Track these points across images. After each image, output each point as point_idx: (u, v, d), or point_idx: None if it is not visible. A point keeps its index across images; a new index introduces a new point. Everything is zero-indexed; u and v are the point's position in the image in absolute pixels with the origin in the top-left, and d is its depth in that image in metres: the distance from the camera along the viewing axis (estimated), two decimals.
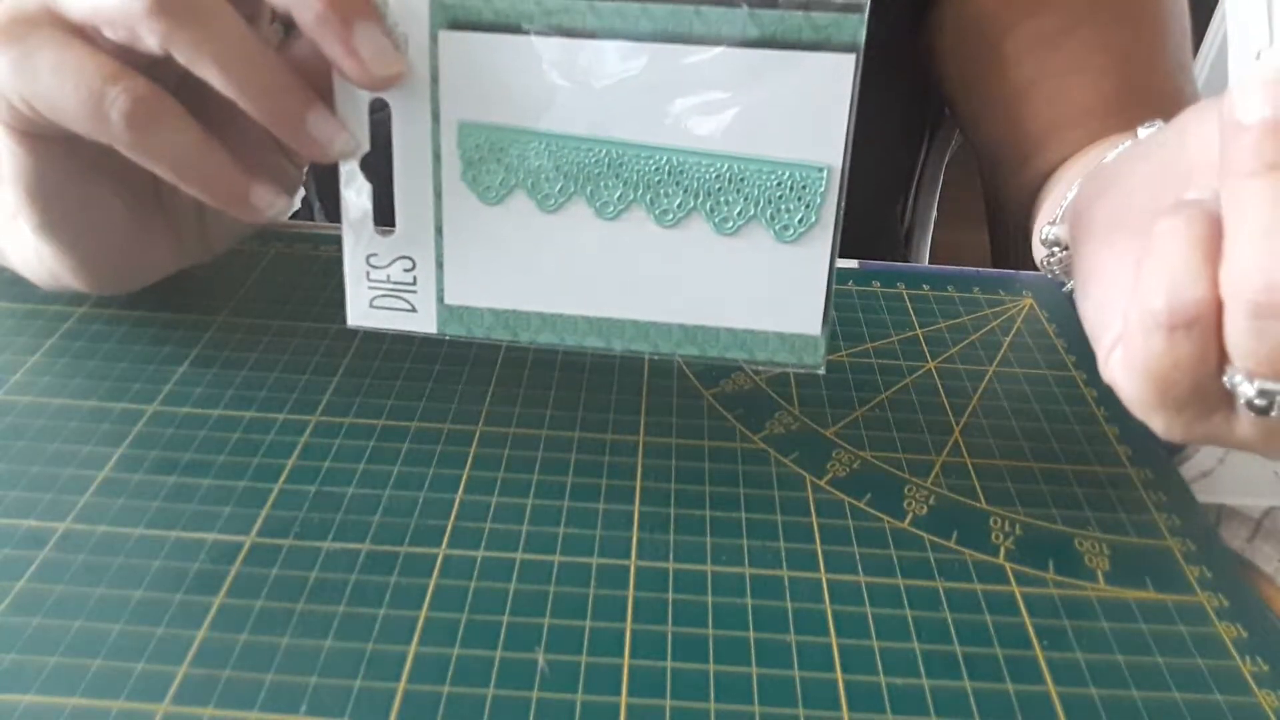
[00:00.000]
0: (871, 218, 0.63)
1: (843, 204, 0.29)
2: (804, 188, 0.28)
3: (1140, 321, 0.25)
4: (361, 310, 0.31)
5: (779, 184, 0.28)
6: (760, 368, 0.38)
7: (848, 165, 0.28)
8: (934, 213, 0.69)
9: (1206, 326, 0.24)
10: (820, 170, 0.28)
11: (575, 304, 0.30)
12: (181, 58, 0.27)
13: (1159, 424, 0.27)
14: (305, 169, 0.35)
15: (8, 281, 0.40)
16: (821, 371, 0.31)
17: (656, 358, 0.35)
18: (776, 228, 0.29)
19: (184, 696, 0.25)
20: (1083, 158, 0.44)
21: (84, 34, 0.28)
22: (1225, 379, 0.24)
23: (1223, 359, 0.24)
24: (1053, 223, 0.38)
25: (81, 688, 0.25)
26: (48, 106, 0.28)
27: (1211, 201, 0.24)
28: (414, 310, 0.31)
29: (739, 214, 0.29)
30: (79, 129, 0.28)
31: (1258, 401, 0.24)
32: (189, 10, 0.27)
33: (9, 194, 0.33)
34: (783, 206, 0.29)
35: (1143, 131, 0.35)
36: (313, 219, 0.64)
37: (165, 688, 0.25)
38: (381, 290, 0.31)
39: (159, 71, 0.28)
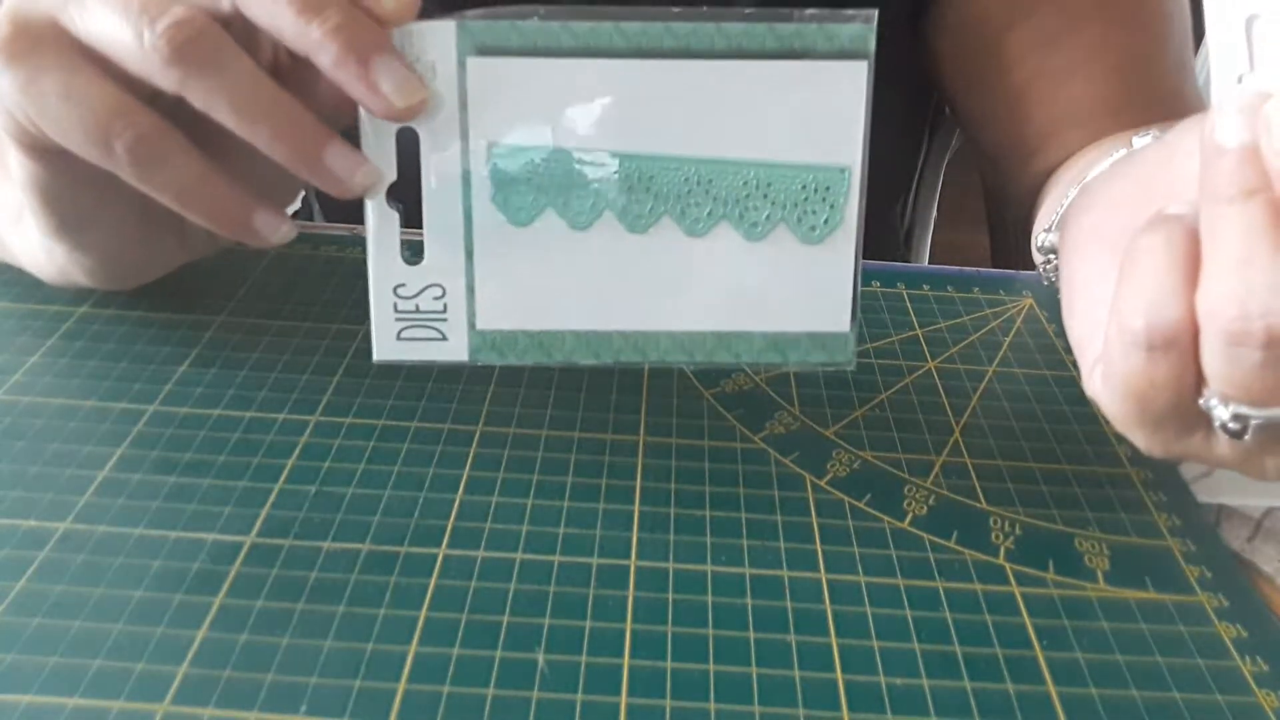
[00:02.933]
0: (871, 218, 0.63)
1: (864, 203, 0.30)
2: (827, 189, 0.29)
3: (1119, 339, 0.25)
4: (389, 344, 0.30)
5: (803, 187, 0.29)
6: (794, 369, 0.38)
7: (866, 165, 0.29)
8: (934, 213, 0.69)
9: (1185, 347, 0.24)
10: (842, 171, 0.29)
11: (609, 319, 0.30)
12: (196, 102, 0.27)
13: (1139, 440, 0.27)
14: None
15: (8, 281, 0.40)
16: (851, 368, 0.31)
17: (692, 368, 0.35)
18: (803, 229, 0.30)
19: (184, 696, 0.25)
20: (1084, 158, 0.44)
21: (91, 54, 0.28)
22: (1201, 401, 0.24)
23: (1200, 380, 0.24)
24: (1048, 230, 0.38)
25: (81, 688, 0.25)
26: (54, 131, 0.28)
27: (1192, 217, 0.24)
28: (444, 339, 0.31)
29: (766, 218, 0.30)
30: (84, 155, 0.28)
31: (1231, 425, 0.24)
32: (205, 59, 0.27)
33: (20, 197, 0.33)
34: (808, 208, 0.29)
35: (1138, 141, 0.35)
36: (312, 219, 0.64)
37: (165, 688, 0.25)
38: (410, 321, 0.30)
39: (165, 98, 0.28)
